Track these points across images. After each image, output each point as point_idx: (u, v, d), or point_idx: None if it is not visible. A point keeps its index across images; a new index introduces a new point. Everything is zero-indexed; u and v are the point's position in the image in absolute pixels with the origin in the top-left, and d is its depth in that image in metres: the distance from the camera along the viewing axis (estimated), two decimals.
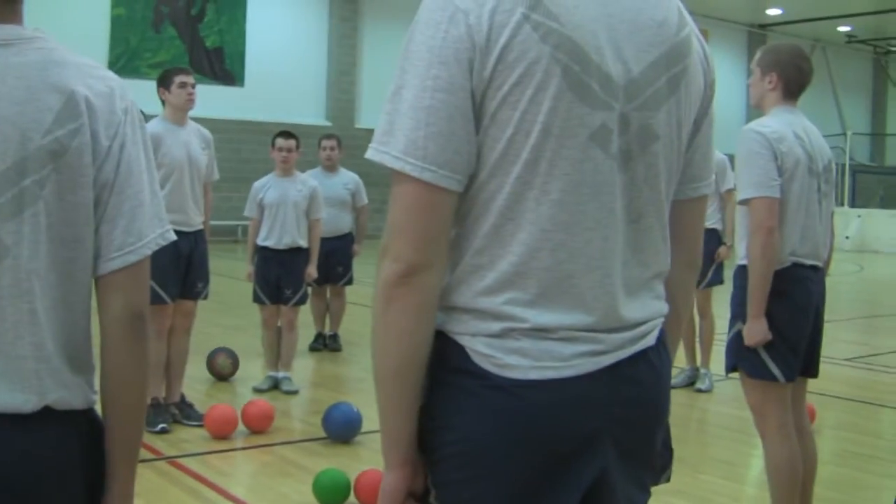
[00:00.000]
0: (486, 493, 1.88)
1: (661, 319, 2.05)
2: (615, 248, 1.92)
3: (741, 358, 4.54)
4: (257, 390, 7.91)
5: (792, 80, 4.56)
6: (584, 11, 1.86)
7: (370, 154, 1.85)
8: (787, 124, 4.47)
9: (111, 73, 2.03)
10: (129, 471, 2.04)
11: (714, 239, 8.27)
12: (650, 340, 1.99)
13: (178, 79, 6.84)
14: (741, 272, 4.53)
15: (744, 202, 4.47)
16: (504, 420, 1.86)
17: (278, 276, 8.08)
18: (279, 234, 8.06)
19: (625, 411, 1.94)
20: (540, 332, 1.86)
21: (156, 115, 6.76)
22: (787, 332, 4.47)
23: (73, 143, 1.90)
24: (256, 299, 8.22)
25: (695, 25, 2.07)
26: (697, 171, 2.13)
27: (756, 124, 4.50)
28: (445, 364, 1.91)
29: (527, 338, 1.86)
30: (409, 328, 1.86)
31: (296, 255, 8.14)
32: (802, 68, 4.58)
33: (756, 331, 4.42)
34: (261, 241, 8.13)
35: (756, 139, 4.40)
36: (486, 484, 1.88)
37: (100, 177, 1.94)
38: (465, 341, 1.88)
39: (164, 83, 6.87)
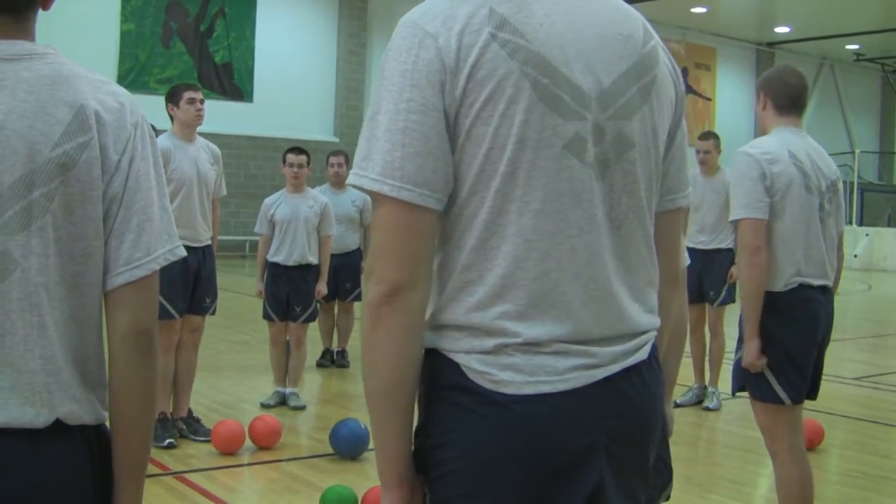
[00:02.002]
0: None
1: (654, 333, 2.08)
2: (601, 254, 1.95)
3: (748, 380, 4.53)
4: (265, 406, 7.90)
5: (780, 95, 4.55)
6: (551, 28, 1.91)
7: (351, 179, 1.91)
8: (782, 144, 4.47)
9: (122, 89, 2.03)
10: (137, 486, 2.04)
11: (729, 258, 8.29)
12: (643, 355, 2.02)
13: (187, 95, 6.86)
14: None
15: (734, 223, 4.51)
16: (500, 436, 1.88)
17: (288, 294, 8.09)
18: (289, 250, 8.05)
19: (618, 425, 1.96)
20: (533, 346, 1.89)
21: (164, 131, 6.78)
22: (794, 354, 4.45)
23: (82, 157, 1.90)
24: (266, 316, 8.22)
25: (660, 40, 2.11)
26: (673, 182, 2.18)
27: (748, 145, 4.54)
28: (440, 381, 1.93)
29: (520, 353, 1.89)
30: (395, 348, 1.89)
31: (306, 272, 8.15)
32: (787, 80, 4.57)
33: (750, 352, 4.43)
34: (270, 257, 8.13)
35: (745, 161, 4.44)
36: (485, 500, 1.90)
37: (109, 191, 1.94)
38: (460, 358, 1.91)
39: (172, 99, 6.89)
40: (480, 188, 1.89)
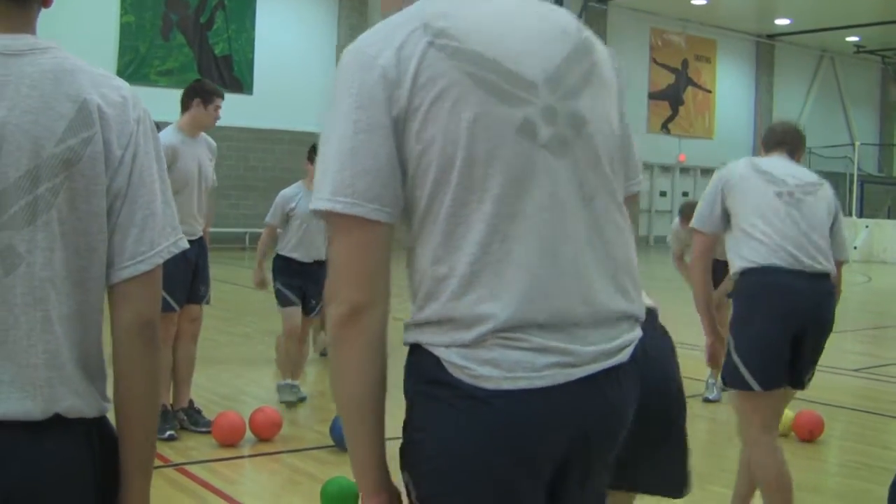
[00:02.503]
0: None
1: (638, 334, 2.11)
2: (568, 231, 2.00)
3: (724, 367, 4.61)
4: (287, 403, 7.73)
5: (768, 141, 4.91)
6: (487, 29, 2.01)
7: (311, 205, 1.98)
8: (750, 159, 4.78)
9: (124, 83, 2.04)
10: (145, 479, 2.07)
11: None
12: (623, 357, 2.06)
13: (218, 101, 6.92)
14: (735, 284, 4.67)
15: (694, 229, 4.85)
16: (479, 430, 1.92)
17: (304, 286, 7.95)
18: (308, 247, 7.92)
19: (593, 424, 2.01)
20: (511, 339, 1.92)
21: (163, 122, 6.74)
22: (761, 338, 4.47)
23: (86, 152, 1.91)
24: (286, 302, 7.94)
25: (593, 35, 2.21)
26: (625, 170, 2.24)
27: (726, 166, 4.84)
28: (422, 376, 1.99)
29: (499, 347, 1.92)
30: (361, 366, 1.99)
31: (320, 267, 7.99)
32: (774, 128, 4.93)
33: (706, 348, 4.83)
34: (288, 253, 7.95)
35: (713, 178, 4.80)
36: (463, 495, 1.94)
37: (112, 186, 1.95)
38: (441, 353, 1.95)
39: (203, 97, 6.89)
40: (442, 185, 1.94)
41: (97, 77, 1.98)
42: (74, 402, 1.93)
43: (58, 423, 1.91)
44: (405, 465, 2.01)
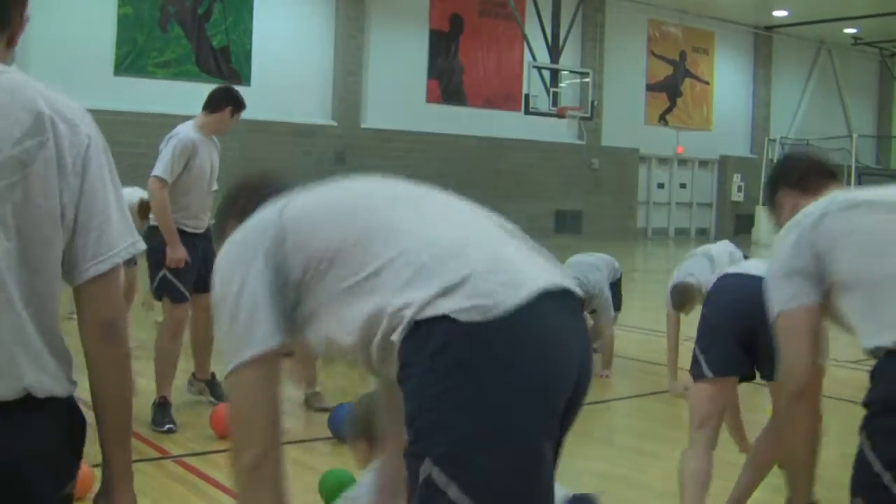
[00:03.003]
0: (519, 452, 2.08)
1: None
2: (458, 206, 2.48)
3: (692, 363, 4.71)
4: (322, 409, 7.38)
5: None
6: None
7: (226, 373, 2.39)
8: None
9: (76, 103, 2.17)
10: (125, 454, 2.22)
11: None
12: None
13: (240, 115, 7.13)
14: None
15: None
16: (511, 370, 2.06)
17: None
18: None
19: (584, 358, 2.27)
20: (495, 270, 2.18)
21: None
22: (715, 327, 4.62)
23: (40, 155, 2.03)
24: None
25: None
26: None
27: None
28: (429, 348, 2.10)
29: (491, 277, 2.15)
30: (274, 496, 2.44)
31: None
32: None
33: None
34: None
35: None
36: (512, 443, 2.05)
37: (65, 193, 2.08)
38: (446, 306, 2.10)
39: (235, 107, 7.09)
40: (368, 232, 2.32)
41: (50, 96, 2.12)
42: (42, 377, 2.04)
43: (28, 402, 2.02)
44: (426, 450, 2.08)
